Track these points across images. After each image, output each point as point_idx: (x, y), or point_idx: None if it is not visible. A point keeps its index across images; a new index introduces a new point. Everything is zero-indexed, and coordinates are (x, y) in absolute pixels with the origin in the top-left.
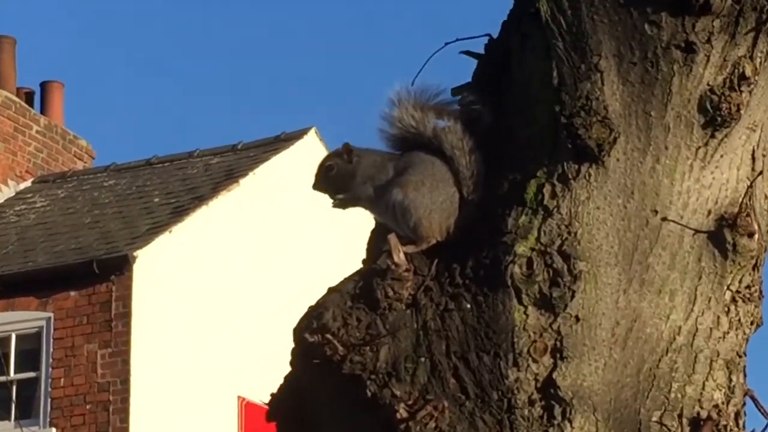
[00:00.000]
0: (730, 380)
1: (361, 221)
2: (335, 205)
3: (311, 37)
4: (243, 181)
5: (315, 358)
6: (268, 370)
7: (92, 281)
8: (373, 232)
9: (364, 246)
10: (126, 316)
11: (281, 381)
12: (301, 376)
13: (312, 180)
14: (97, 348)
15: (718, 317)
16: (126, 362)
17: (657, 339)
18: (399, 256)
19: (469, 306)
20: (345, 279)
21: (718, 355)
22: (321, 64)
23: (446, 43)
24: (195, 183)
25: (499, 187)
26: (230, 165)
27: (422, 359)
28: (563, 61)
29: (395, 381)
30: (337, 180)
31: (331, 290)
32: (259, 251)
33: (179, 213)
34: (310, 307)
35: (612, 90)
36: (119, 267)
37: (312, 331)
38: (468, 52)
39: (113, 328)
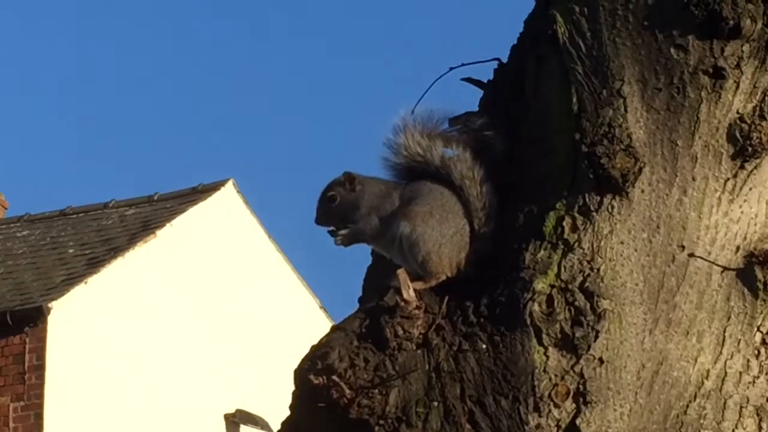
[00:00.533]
0: (760, 428)
1: (277, 275)
2: (338, 243)
3: (229, 87)
4: (160, 233)
5: (320, 402)
6: (185, 423)
7: (5, 333)
8: (371, 267)
9: (281, 298)
10: (40, 368)
11: None
12: (301, 422)
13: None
14: (9, 401)
15: (748, 361)
16: (39, 416)
17: (684, 383)
18: (409, 293)
19: (484, 346)
20: (349, 317)
21: (747, 402)
22: (240, 114)
23: (451, 68)
24: (110, 234)
25: (515, 219)
26: (146, 216)
27: (435, 403)
28: (583, 87)
29: (406, 426)
30: (341, 211)
31: (334, 328)
32: (175, 303)
33: (94, 264)
34: (313, 347)
35: (636, 117)
36: (33, 318)
37: (317, 373)
38: (470, 80)
39: (26, 381)
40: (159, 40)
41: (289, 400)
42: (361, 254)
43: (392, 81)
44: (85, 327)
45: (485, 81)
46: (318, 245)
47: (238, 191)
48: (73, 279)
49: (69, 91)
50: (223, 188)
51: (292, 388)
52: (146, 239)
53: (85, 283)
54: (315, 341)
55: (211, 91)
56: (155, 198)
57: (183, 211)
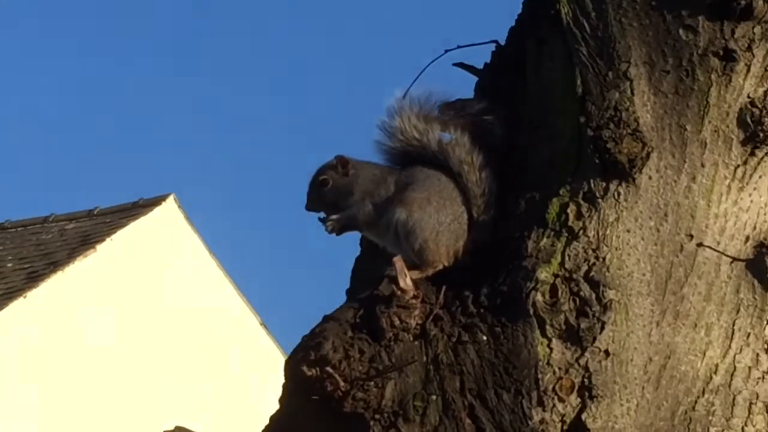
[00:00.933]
0: None
1: (218, 291)
2: (329, 230)
3: (171, 99)
4: (100, 247)
5: (313, 394)
6: None
7: None
8: (360, 258)
9: (222, 315)
10: None
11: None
12: (291, 415)
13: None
14: None
15: (758, 355)
16: None
17: (693, 378)
18: (406, 281)
19: (485, 338)
20: (341, 307)
21: (757, 398)
22: (182, 126)
23: (446, 51)
24: (50, 248)
25: (515, 206)
26: (86, 231)
27: (433, 397)
28: (588, 68)
29: (403, 421)
30: (332, 196)
31: (327, 318)
32: (115, 317)
33: (34, 279)
34: (306, 337)
35: (643, 100)
36: None
37: (310, 364)
38: (462, 65)
39: None
40: (97, 50)
41: (228, 417)
42: (305, 270)
43: (359, 84)
44: (24, 341)
45: (482, 64)
46: (259, 261)
47: (179, 206)
48: (11, 293)
49: (3, 103)
50: (164, 203)
51: (232, 404)
52: (86, 254)
53: (24, 297)
54: (255, 358)
55: (151, 104)
56: (95, 212)
57: (123, 225)
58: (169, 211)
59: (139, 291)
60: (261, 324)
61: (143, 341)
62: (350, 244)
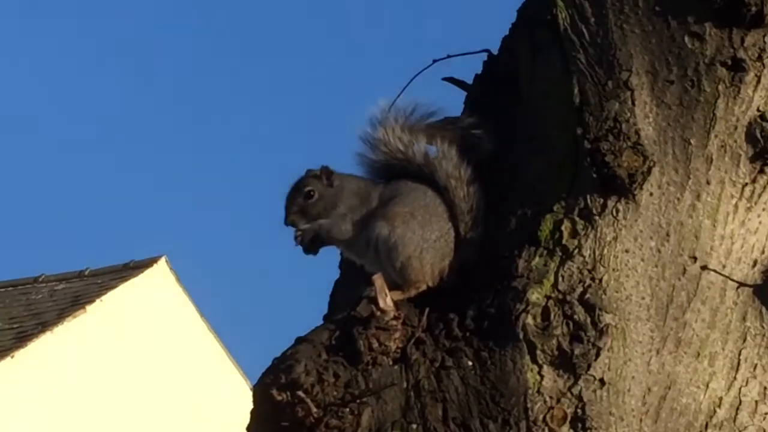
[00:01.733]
0: None
1: (208, 354)
2: (299, 241)
3: (163, 159)
4: (90, 308)
5: (283, 421)
6: None
7: None
8: (339, 281)
9: (212, 378)
10: None
11: None
12: None
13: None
14: None
15: (765, 388)
16: None
17: (695, 411)
18: (386, 301)
19: (470, 363)
20: (316, 328)
21: None
22: (173, 189)
23: (434, 60)
24: (40, 309)
25: (506, 223)
26: (77, 291)
27: (414, 425)
28: (586, 77)
29: None
30: (318, 208)
31: (300, 340)
32: (105, 379)
33: (22, 339)
34: (277, 359)
35: (644, 112)
36: None
37: (280, 388)
38: (452, 80)
39: None
40: (92, 104)
41: None
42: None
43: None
44: (11, 402)
45: (473, 74)
46: (251, 325)
47: (170, 268)
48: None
49: None
50: (155, 265)
51: None
52: (76, 314)
53: (12, 357)
54: (245, 422)
55: (143, 165)
56: (86, 273)
57: (114, 287)
58: (160, 273)
59: (129, 353)
60: (251, 389)
61: (132, 403)
62: None
